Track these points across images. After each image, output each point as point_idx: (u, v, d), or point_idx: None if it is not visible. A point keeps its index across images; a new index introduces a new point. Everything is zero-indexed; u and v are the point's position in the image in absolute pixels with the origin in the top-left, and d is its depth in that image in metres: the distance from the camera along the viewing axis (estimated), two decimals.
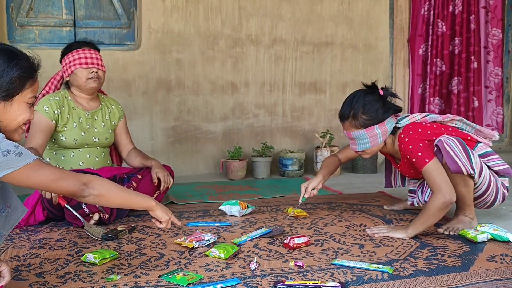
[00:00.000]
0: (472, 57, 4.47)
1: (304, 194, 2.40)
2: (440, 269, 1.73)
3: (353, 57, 4.36)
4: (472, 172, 2.05)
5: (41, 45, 3.78)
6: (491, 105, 4.70)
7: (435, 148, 2.09)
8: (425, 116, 2.27)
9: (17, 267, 1.79)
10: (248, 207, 2.57)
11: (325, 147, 3.99)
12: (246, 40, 4.09)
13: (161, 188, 2.62)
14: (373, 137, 2.20)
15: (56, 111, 2.52)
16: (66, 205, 2.26)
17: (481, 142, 2.27)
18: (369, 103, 2.18)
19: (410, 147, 2.13)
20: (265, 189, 3.35)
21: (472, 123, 2.31)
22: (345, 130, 2.26)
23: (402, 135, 2.18)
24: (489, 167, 2.21)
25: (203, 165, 4.08)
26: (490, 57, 4.64)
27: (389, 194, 3.08)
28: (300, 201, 2.41)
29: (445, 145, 2.04)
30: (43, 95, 2.65)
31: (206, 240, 2.02)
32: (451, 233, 2.15)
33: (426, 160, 2.07)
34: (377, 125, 2.19)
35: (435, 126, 2.22)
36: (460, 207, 2.22)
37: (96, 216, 2.32)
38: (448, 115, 2.31)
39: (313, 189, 2.40)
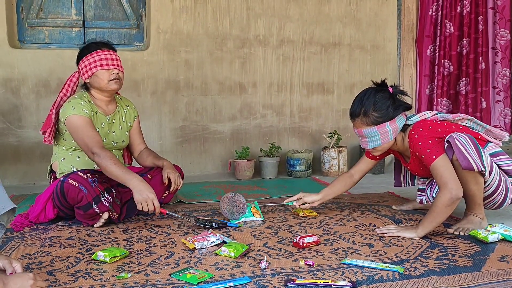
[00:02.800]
0: (480, 58, 4.46)
1: (296, 201, 2.45)
2: (451, 269, 1.72)
3: (361, 57, 4.35)
4: (483, 169, 2.04)
5: (51, 45, 3.81)
6: (499, 106, 4.68)
7: (446, 144, 2.08)
8: (435, 114, 2.27)
9: (28, 265, 1.81)
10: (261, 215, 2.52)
11: (332, 147, 3.98)
12: (254, 40, 4.10)
13: (171, 189, 2.63)
14: (384, 134, 2.21)
15: (91, 113, 2.50)
16: (168, 212, 2.38)
17: (491, 142, 2.26)
18: (379, 101, 2.18)
19: (419, 143, 2.12)
20: (273, 189, 3.35)
21: (482, 123, 2.30)
22: (355, 127, 2.26)
23: (413, 132, 2.18)
24: (499, 166, 2.20)
25: (211, 165, 4.09)
26: (498, 58, 4.62)
27: (398, 195, 3.08)
28: (288, 202, 2.46)
29: (456, 141, 2.04)
30: (61, 98, 2.59)
31: (212, 242, 2.01)
32: (461, 233, 2.14)
33: (434, 157, 2.06)
34: (388, 122, 2.19)
35: (445, 124, 2.22)
36: (470, 206, 2.22)
37: (105, 215, 2.32)
38: (459, 114, 2.30)
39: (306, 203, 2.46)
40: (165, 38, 3.90)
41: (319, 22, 4.23)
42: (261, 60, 4.14)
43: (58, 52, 3.72)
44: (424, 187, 2.51)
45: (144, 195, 2.25)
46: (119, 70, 2.54)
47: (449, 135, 2.09)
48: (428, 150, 2.09)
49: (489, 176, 2.12)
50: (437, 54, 4.42)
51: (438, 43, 4.41)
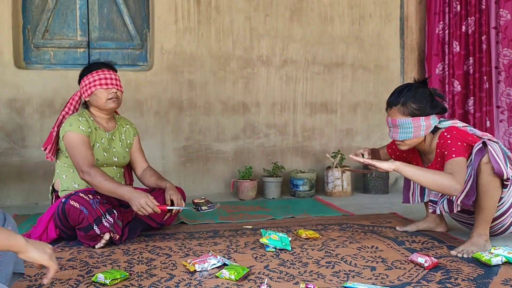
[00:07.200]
0: (485, 77, 4.46)
1: (363, 152, 2.50)
2: None
3: (364, 77, 4.37)
4: (510, 177, 2.09)
5: (56, 66, 3.85)
6: (503, 125, 4.66)
7: (480, 145, 2.13)
8: (466, 126, 2.33)
9: (28, 287, 1.80)
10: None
11: (336, 167, 3.97)
12: (257, 60, 4.13)
13: (173, 211, 2.62)
14: (417, 128, 2.23)
15: (89, 130, 2.55)
16: (168, 207, 2.47)
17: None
18: (420, 95, 2.23)
19: (449, 142, 2.18)
20: (276, 210, 3.34)
21: (507, 150, 2.30)
22: (390, 116, 2.28)
23: (446, 133, 2.23)
24: None
25: (213, 185, 4.08)
26: (502, 77, 4.62)
27: (401, 215, 3.05)
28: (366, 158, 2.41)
29: (489, 146, 2.10)
30: (63, 116, 2.66)
31: (213, 264, 2.00)
32: (465, 255, 2.12)
33: (454, 155, 2.12)
34: (424, 117, 2.23)
35: (475, 136, 2.27)
36: (479, 222, 2.20)
37: (106, 236, 2.32)
38: (487, 133, 2.34)
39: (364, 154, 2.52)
40: (168, 59, 3.94)
41: (322, 42, 4.26)
42: (264, 80, 4.16)
43: (63, 72, 3.76)
44: (436, 200, 2.48)
45: (137, 203, 2.34)
46: (117, 89, 2.60)
47: (482, 140, 2.15)
48: (453, 149, 2.14)
49: (507, 192, 2.15)
50: (446, 72, 4.43)
51: (447, 62, 4.42)
